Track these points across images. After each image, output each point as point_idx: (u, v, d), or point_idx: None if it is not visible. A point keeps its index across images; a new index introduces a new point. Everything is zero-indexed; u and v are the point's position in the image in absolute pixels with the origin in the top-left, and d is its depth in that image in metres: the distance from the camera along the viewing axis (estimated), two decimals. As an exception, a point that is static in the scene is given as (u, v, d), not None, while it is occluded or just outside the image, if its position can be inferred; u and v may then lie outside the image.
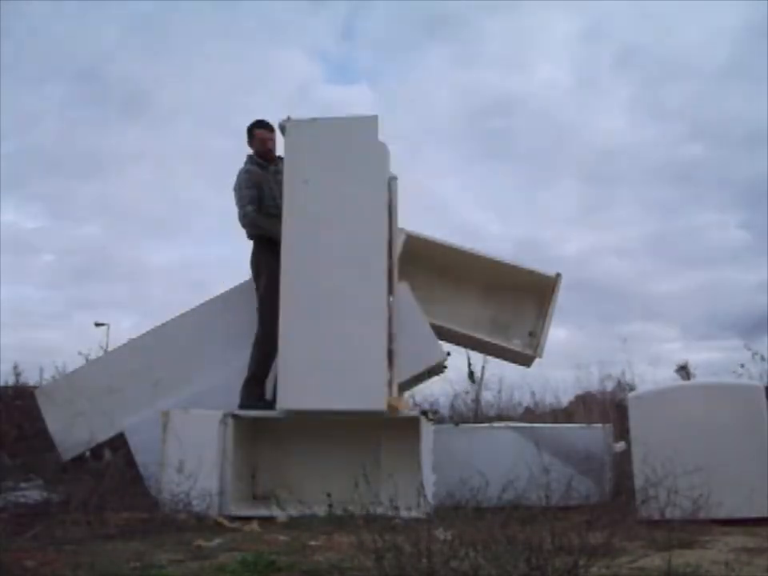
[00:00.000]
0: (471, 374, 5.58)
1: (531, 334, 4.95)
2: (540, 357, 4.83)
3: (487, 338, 4.86)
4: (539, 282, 4.93)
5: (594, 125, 34.08)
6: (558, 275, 4.87)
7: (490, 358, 6.55)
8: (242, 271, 4.60)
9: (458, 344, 5.11)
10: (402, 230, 4.79)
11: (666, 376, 7.22)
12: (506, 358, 5.20)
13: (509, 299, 5.08)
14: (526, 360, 4.99)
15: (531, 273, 4.93)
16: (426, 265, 5.00)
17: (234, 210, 4.42)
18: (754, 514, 3.28)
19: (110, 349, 5.89)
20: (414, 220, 4.82)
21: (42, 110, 31.95)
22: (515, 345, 4.89)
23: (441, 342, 4.67)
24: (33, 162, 30.77)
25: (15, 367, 6.40)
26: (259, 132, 4.51)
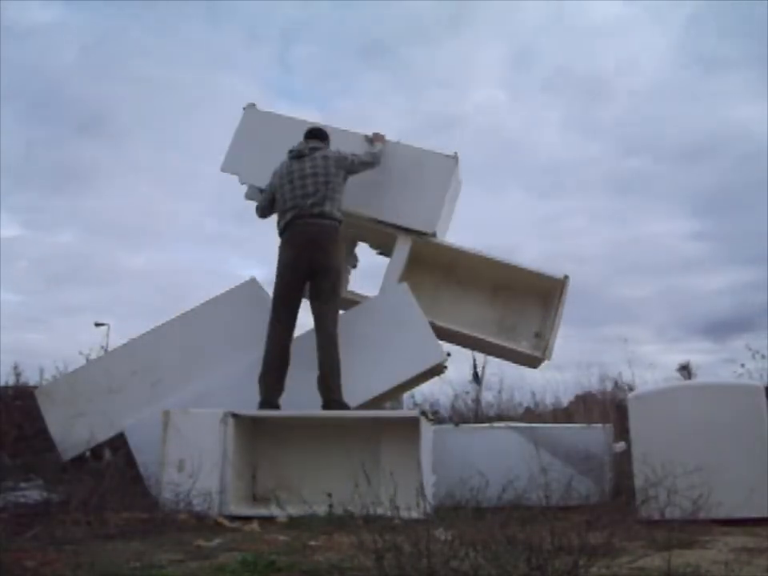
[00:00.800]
0: (476, 376, 5.49)
1: (537, 336, 4.93)
2: (549, 359, 4.82)
3: (495, 340, 4.85)
4: (544, 284, 4.93)
5: (534, 142, 35.88)
6: (566, 277, 4.86)
7: (490, 358, 6.55)
8: (211, 275, 4.67)
9: (464, 345, 5.11)
10: (407, 233, 4.79)
11: (656, 377, 7.26)
12: (512, 360, 5.19)
13: (514, 301, 5.07)
14: (533, 361, 4.98)
15: (539, 275, 4.91)
16: (433, 267, 5.01)
17: (200, 217, 4.56)
18: (754, 514, 3.28)
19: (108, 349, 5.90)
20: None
21: (3, 128, 32.98)
22: (523, 347, 4.88)
23: (446, 342, 4.68)
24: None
25: (15, 367, 6.42)
26: None
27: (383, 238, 4.88)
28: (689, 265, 29.11)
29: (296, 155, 4.49)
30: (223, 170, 4.95)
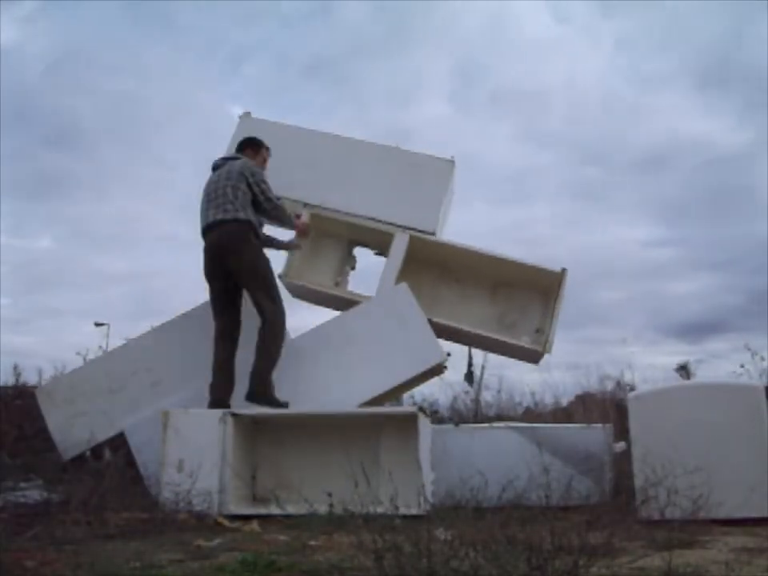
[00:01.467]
0: (470, 376, 5.35)
1: (538, 331, 4.93)
2: (549, 353, 4.82)
3: (496, 336, 4.85)
4: (544, 279, 4.93)
5: (488, 153, 36.70)
6: (564, 270, 4.85)
7: (489, 359, 6.53)
8: (196, 281, 4.67)
9: (465, 343, 5.11)
10: (404, 232, 4.80)
11: (653, 378, 7.27)
12: (513, 355, 5.18)
13: (514, 297, 5.07)
14: (534, 356, 4.98)
15: (537, 270, 4.92)
16: (430, 266, 5.02)
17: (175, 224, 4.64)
18: (754, 514, 3.28)
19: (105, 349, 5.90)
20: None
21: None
22: (524, 342, 4.89)
23: (446, 341, 4.68)
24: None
25: (15, 367, 6.41)
26: (266, 152, 4.73)
27: (381, 238, 4.88)
28: (655, 270, 29.93)
29: (213, 167, 4.57)
30: None
